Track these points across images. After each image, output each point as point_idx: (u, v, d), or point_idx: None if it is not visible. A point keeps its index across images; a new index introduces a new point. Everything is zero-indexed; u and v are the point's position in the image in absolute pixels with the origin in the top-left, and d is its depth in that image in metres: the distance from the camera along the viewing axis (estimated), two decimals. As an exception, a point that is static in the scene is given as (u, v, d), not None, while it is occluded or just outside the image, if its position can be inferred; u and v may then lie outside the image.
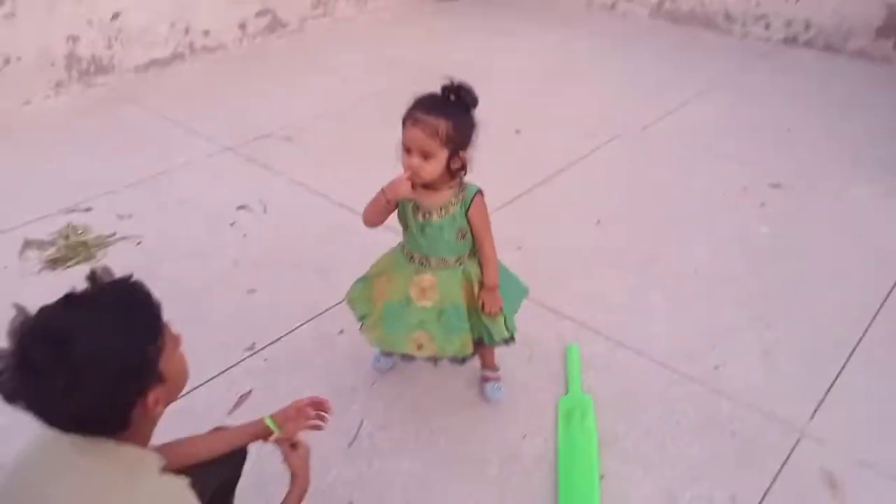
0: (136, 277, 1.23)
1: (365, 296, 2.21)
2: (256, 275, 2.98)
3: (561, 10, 6.47)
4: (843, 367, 2.53)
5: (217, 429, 1.75)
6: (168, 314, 1.37)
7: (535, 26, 6.04)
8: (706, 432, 2.27)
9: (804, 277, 2.99)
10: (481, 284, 2.09)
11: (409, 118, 1.86)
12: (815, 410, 2.35)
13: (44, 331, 1.09)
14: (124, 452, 1.19)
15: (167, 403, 1.24)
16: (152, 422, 1.26)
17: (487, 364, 2.40)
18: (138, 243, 3.17)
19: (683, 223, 3.37)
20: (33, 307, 1.15)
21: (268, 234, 3.25)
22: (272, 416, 1.63)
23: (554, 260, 3.07)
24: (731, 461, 2.17)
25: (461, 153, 1.89)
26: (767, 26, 5.75)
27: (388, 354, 2.46)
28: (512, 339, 2.21)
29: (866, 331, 2.70)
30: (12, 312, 1.13)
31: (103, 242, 3.16)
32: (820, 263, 3.08)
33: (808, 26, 5.57)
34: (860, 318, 2.76)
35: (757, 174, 3.77)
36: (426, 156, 1.85)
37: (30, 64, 4.42)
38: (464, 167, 1.94)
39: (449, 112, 1.84)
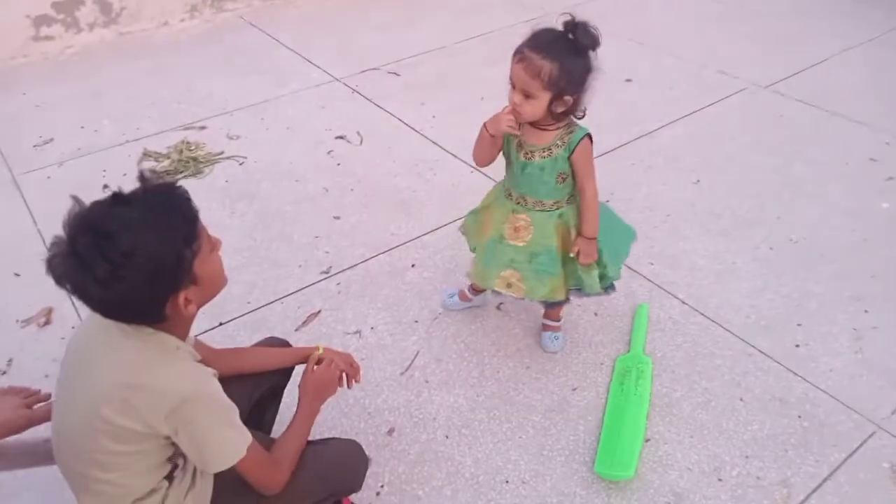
0: (180, 185, 1.32)
1: (475, 229, 2.23)
2: (343, 203, 3.09)
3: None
4: (946, 364, 2.29)
5: (270, 339, 1.88)
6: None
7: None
8: (770, 412, 2.15)
9: (922, 262, 2.70)
10: (579, 232, 2.04)
11: (518, 52, 1.79)
12: (901, 406, 2.16)
13: (90, 225, 1.19)
14: (163, 339, 1.32)
15: (200, 304, 1.33)
16: (186, 319, 1.36)
17: (549, 314, 2.38)
18: (241, 163, 3.37)
19: (794, 190, 3.11)
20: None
21: (360, 166, 3.33)
22: (324, 349, 1.72)
23: (642, 215, 2.94)
24: (792, 445, 2.05)
25: (566, 97, 1.80)
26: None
27: (463, 298, 2.49)
28: (611, 287, 2.18)
29: (984, 328, 2.41)
30: None
31: (211, 159, 3.38)
32: (946, 249, 2.76)
33: None
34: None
35: (891, 144, 3.39)
36: (527, 95, 1.79)
37: (169, -13, 4.72)
38: (570, 111, 1.86)
39: (558, 53, 1.74)
